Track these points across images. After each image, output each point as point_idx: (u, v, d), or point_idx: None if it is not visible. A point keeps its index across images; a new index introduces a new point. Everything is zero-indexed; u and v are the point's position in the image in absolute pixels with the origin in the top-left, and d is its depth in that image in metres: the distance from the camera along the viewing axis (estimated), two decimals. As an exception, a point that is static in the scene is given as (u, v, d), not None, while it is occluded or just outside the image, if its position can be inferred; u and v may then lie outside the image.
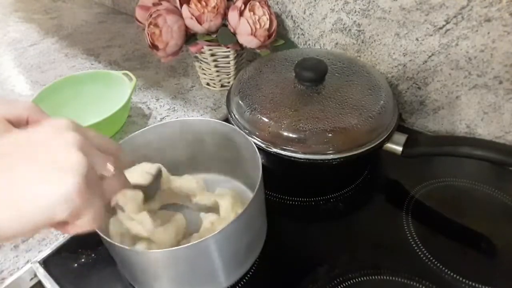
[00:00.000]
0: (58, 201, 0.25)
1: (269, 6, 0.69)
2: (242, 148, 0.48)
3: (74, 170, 0.25)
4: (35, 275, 0.50)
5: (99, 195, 0.28)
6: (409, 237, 0.50)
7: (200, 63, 0.77)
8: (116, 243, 0.37)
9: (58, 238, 0.53)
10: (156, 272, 0.40)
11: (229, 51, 0.72)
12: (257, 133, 0.54)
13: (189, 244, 0.36)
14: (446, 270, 0.46)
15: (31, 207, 0.24)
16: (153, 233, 0.43)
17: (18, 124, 0.42)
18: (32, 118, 0.42)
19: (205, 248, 0.38)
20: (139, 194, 0.43)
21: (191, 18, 0.66)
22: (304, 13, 0.72)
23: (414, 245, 0.49)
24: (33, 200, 0.24)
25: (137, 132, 0.49)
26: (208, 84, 0.81)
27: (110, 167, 0.29)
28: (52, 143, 0.26)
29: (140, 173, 0.45)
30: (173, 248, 0.37)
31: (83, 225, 0.27)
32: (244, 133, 0.48)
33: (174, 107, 0.77)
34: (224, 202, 0.48)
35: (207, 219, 0.47)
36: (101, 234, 0.37)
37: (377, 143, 0.53)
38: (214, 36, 0.69)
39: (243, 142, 0.48)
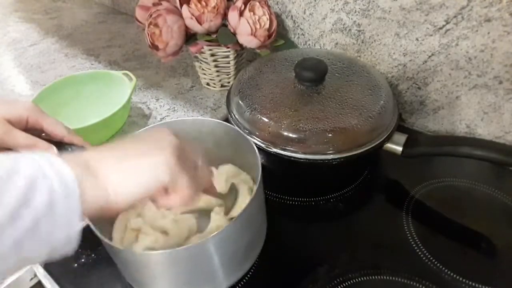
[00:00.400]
0: (161, 165, 0.32)
1: (269, 6, 0.69)
2: (242, 148, 0.48)
3: (170, 145, 0.33)
4: (35, 275, 0.50)
5: (191, 173, 0.34)
6: (409, 237, 0.50)
7: (200, 63, 0.77)
8: (115, 245, 0.37)
9: (58, 238, 0.53)
10: (156, 273, 0.40)
11: (229, 51, 0.72)
12: (257, 133, 0.54)
13: (188, 245, 0.36)
14: (446, 270, 0.46)
15: (143, 173, 0.32)
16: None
17: (18, 124, 0.42)
18: (32, 118, 0.42)
19: (204, 250, 0.38)
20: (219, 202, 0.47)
21: (191, 18, 0.66)
22: (304, 13, 0.72)
23: (414, 245, 0.49)
24: (140, 167, 0.32)
25: (137, 131, 0.49)
26: (208, 84, 0.81)
27: (198, 159, 0.37)
28: (156, 134, 0.36)
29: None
30: (172, 249, 0.36)
31: (181, 192, 0.33)
32: (244, 133, 0.48)
33: (174, 107, 0.77)
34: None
35: (215, 221, 0.47)
36: (100, 236, 0.37)
37: (377, 143, 0.53)
38: (214, 36, 0.69)
39: (243, 142, 0.48)
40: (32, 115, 0.42)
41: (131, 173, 0.31)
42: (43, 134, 0.44)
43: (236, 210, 0.47)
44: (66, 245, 0.28)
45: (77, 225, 0.27)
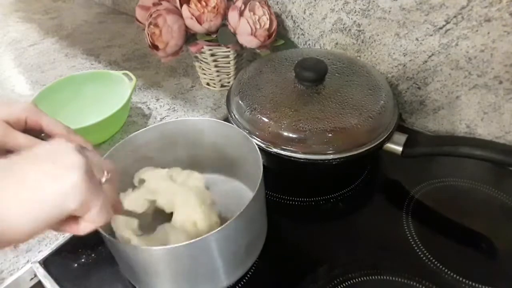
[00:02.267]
0: (67, 192, 0.27)
1: (269, 6, 0.69)
2: (242, 147, 0.48)
3: (77, 166, 0.28)
4: (35, 275, 0.50)
5: (100, 192, 0.29)
6: (409, 237, 0.50)
7: (200, 63, 0.77)
8: (116, 240, 0.37)
9: (58, 238, 0.53)
10: (157, 270, 0.40)
11: (229, 51, 0.72)
12: (257, 133, 0.54)
13: (189, 241, 0.36)
14: (446, 270, 0.46)
15: (42, 203, 0.26)
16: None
17: (17, 124, 0.42)
18: (31, 119, 0.42)
19: (205, 246, 0.38)
20: (133, 222, 0.43)
21: (191, 18, 0.66)
22: (304, 13, 0.72)
23: (414, 245, 0.49)
24: (42, 196, 0.26)
25: (137, 131, 0.49)
26: (208, 84, 0.81)
27: (106, 172, 0.32)
28: (54, 151, 0.29)
29: (136, 199, 0.45)
30: (174, 245, 0.37)
31: (93, 218, 0.29)
32: (245, 133, 0.48)
33: (174, 107, 0.77)
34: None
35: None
36: (101, 230, 0.37)
37: (377, 143, 0.53)
38: (214, 36, 0.69)
39: (244, 142, 0.48)
40: (30, 115, 0.42)
41: (28, 202, 0.26)
42: (43, 135, 0.44)
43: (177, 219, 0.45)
44: None
45: None
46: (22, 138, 0.41)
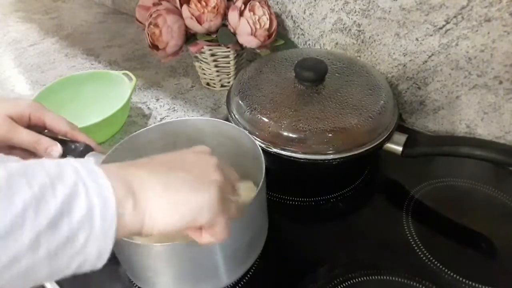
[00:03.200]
0: (203, 206, 0.30)
1: (269, 6, 0.69)
2: (244, 147, 0.48)
3: (216, 184, 0.31)
4: (35, 275, 0.50)
5: (227, 211, 0.32)
6: (409, 237, 0.50)
7: (200, 63, 0.77)
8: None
9: (58, 238, 0.53)
10: (157, 267, 0.40)
11: (229, 51, 0.72)
12: (257, 133, 0.54)
13: (191, 240, 0.36)
14: (446, 270, 0.46)
15: (184, 208, 0.30)
16: None
17: (21, 121, 0.42)
18: (34, 115, 0.42)
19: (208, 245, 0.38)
20: None
21: (191, 18, 0.66)
22: (304, 13, 0.72)
23: (414, 245, 0.49)
24: (186, 203, 0.30)
25: (138, 131, 0.49)
26: (208, 84, 0.81)
27: (234, 191, 0.35)
28: (201, 163, 0.33)
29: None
30: (175, 242, 0.36)
31: (215, 234, 0.32)
32: (247, 133, 0.48)
33: (174, 107, 0.77)
34: None
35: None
36: None
37: (377, 143, 0.53)
38: (214, 36, 0.69)
39: (246, 141, 0.48)
40: (34, 112, 0.42)
41: (173, 206, 0.29)
42: (46, 131, 0.44)
43: None
44: (96, 261, 0.27)
45: (110, 243, 0.27)
46: (26, 134, 0.41)
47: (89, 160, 0.27)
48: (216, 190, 0.31)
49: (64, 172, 0.26)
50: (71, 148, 0.44)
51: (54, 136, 0.44)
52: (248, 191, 0.50)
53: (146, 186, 0.29)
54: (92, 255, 0.26)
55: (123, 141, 0.48)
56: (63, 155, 0.43)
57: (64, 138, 0.45)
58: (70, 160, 0.27)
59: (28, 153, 0.43)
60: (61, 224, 0.24)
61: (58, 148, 0.42)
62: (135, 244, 0.38)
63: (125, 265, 0.44)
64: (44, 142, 0.42)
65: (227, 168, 0.35)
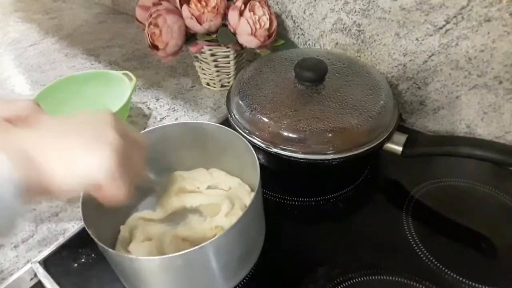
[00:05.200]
0: (96, 166, 0.31)
1: (269, 6, 0.69)
2: (242, 151, 0.48)
3: (112, 145, 0.32)
4: (35, 275, 0.50)
5: (129, 170, 0.34)
6: (409, 237, 0.50)
7: (200, 63, 0.77)
8: (110, 250, 0.37)
9: (58, 238, 0.53)
10: (153, 280, 0.40)
11: (229, 51, 0.72)
12: (257, 133, 0.54)
13: (186, 251, 0.35)
14: (446, 270, 0.46)
15: (77, 168, 0.31)
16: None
17: (18, 123, 0.41)
18: (31, 118, 0.42)
19: (202, 255, 0.38)
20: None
21: (191, 18, 0.66)
22: (304, 13, 0.72)
23: (414, 245, 0.49)
24: (78, 163, 0.31)
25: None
26: (208, 84, 0.81)
27: (138, 150, 0.36)
28: (98, 124, 0.34)
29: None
30: (169, 255, 0.36)
31: (115, 191, 0.33)
32: (243, 138, 0.47)
33: (174, 107, 0.77)
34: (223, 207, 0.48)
35: (210, 226, 0.47)
36: (96, 241, 0.37)
37: (377, 143, 0.53)
38: (214, 36, 0.69)
39: (242, 146, 0.47)
40: (30, 114, 0.42)
41: (66, 166, 0.31)
42: None
43: (218, 220, 0.47)
44: (5, 226, 0.28)
45: (13, 202, 0.28)
46: None
47: None
48: (112, 152, 0.32)
49: None
50: None
51: None
52: (246, 194, 0.50)
53: (40, 145, 0.30)
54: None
55: None
56: None
57: None
58: None
59: None
60: None
61: None
62: (130, 257, 0.38)
63: (122, 277, 0.44)
64: None
65: (130, 132, 0.36)
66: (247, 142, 0.47)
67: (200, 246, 0.36)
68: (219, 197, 0.50)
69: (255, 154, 0.45)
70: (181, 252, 0.35)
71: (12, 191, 0.27)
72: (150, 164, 0.49)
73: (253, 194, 0.49)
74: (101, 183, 0.32)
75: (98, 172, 0.31)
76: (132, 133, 0.37)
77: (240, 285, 0.46)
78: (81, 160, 0.31)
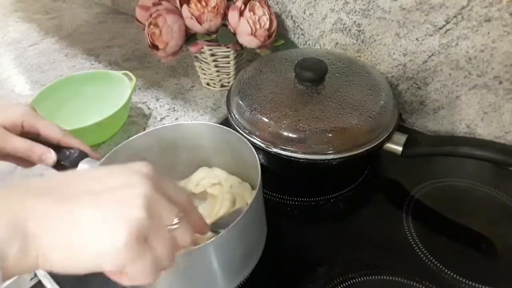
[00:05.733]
0: (106, 252, 0.25)
1: (269, 6, 0.69)
2: (242, 152, 0.47)
3: (131, 225, 0.25)
4: (35, 275, 0.50)
5: (151, 251, 0.26)
6: (409, 237, 0.50)
7: (200, 63, 0.77)
8: None
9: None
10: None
11: (229, 51, 0.72)
12: (257, 133, 0.54)
13: (187, 251, 0.35)
14: (446, 270, 0.46)
15: (83, 252, 0.25)
16: None
17: (14, 129, 0.41)
18: (27, 123, 0.42)
19: (204, 255, 0.38)
20: None
21: (191, 18, 0.66)
22: (304, 13, 0.72)
23: (414, 245, 0.49)
24: (86, 248, 0.25)
25: (135, 136, 0.49)
26: (208, 84, 0.81)
27: (176, 220, 0.28)
28: (123, 191, 0.26)
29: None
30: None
31: (134, 277, 0.26)
32: (243, 138, 0.47)
33: (174, 107, 0.77)
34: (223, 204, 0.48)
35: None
36: None
37: (377, 143, 0.53)
38: (214, 36, 0.69)
39: (243, 146, 0.47)
40: (27, 119, 0.41)
41: (70, 252, 0.25)
42: (40, 137, 0.43)
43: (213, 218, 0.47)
44: None
45: None
46: (19, 142, 0.40)
47: None
48: (128, 234, 0.25)
49: None
50: (66, 154, 0.43)
51: (47, 141, 0.43)
52: (247, 192, 0.50)
53: (42, 224, 0.24)
54: None
55: (118, 146, 0.47)
56: (58, 161, 0.43)
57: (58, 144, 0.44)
58: None
59: (22, 160, 0.42)
60: None
61: (52, 155, 0.42)
62: None
63: None
64: (38, 149, 0.41)
65: (173, 186, 0.29)
66: (247, 141, 0.47)
67: (201, 245, 0.36)
68: (221, 194, 0.50)
69: (255, 154, 0.45)
70: (182, 252, 0.35)
71: None
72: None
73: (254, 192, 0.49)
74: (112, 271, 0.26)
75: (107, 261, 0.25)
76: (175, 188, 0.29)
77: (240, 285, 0.46)
78: (86, 248, 0.25)
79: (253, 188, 0.51)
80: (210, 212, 0.48)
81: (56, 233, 0.24)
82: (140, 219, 0.25)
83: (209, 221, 0.47)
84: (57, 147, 0.43)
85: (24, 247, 0.24)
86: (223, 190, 0.51)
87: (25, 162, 0.42)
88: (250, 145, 0.46)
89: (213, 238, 0.36)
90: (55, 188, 0.26)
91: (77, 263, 0.25)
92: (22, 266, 0.24)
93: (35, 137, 0.43)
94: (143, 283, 0.27)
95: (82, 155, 0.44)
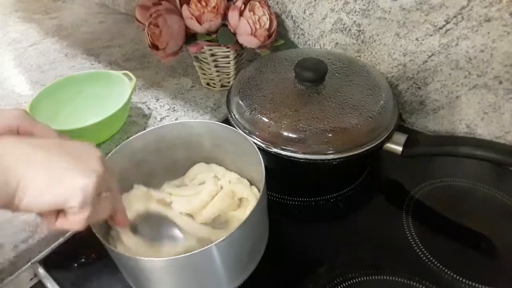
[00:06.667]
0: (78, 190, 0.30)
1: (269, 6, 0.69)
2: (244, 150, 0.48)
3: (97, 173, 0.32)
4: (35, 275, 0.50)
5: (96, 206, 0.32)
6: (409, 237, 0.50)
7: (200, 63, 0.77)
8: (120, 252, 0.37)
9: (58, 238, 0.53)
10: (159, 279, 0.40)
11: (229, 51, 0.72)
12: (257, 133, 0.54)
13: (192, 252, 0.36)
14: (446, 270, 0.46)
15: (60, 186, 0.30)
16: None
17: (9, 134, 0.41)
18: (23, 127, 0.41)
19: (208, 256, 0.38)
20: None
21: (191, 18, 0.66)
22: (304, 13, 0.72)
23: (414, 245, 0.49)
24: (64, 182, 0.30)
25: (135, 135, 0.49)
26: (208, 84, 0.81)
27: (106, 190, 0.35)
28: (88, 153, 0.34)
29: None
30: (176, 256, 0.36)
31: (74, 222, 0.32)
32: (246, 136, 0.48)
33: (174, 107, 0.77)
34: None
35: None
36: (104, 242, 0.37)
37: (377, 143, 0.53)
38: (214, 36, 0.69)
39: (245, 144, 0.47)
40: (22, 124, 0.41)
41: (49, 183, 0.30)
42: None
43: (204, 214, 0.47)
44: None
45: None
46: None
47: None
48: (95, 179, 0.31)
49: None
50: None
51: None
52: (246, 188, 0.50)
53: (25, 161, 0.29)
54: None
55: (119, 146, 0.47)
56: None
57: None
58: None
59: None
60: None
61: None
62: (134, 258, 0.38)
63: (128, 277, 0.44)
64: None
65: (110, 169, 0.36)
66: (250, 140, 0.47)
67: (205, 248, 0.36)
68: (217, 187, 0.50)
69: (259, 153, 0.45)
70: (186, 254, 0.36)
71: None
72: (144, 168, 0.49)
73: (253, 188, 0.49)
74: (73, 208, 0.31)
75: (77, 196, 0.30)
76: (110, 171, 0.36)
77: (240, 285, 0.46)
78: (64, 180, 0.30)
79: (251, 184, 0.51)
80: (198, 199, 0.48)
81: (36, 166, 0.29)
82: (102, 174, 0.32)
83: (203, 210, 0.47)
84: None
85: (6, 177, 0.28)
86: (220, 183, 0.51)
87: None
88: (253, 144, 0.46)
89: (218, 241, 0.36)
90: (35, 142, 0.32)
91: (49, 197, 0.30)
92: (1, 196, 0.28)
93: None
94: (74, 228, 0.32)
95: None
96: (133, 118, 0.74)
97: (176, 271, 0.39)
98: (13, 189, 0.28)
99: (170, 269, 0.39)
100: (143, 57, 0.95)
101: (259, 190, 0.44)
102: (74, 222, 0.32)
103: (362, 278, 0.46)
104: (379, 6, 0.62)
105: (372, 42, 0.66)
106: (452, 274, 0.46)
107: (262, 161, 0.44)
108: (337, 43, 0.71)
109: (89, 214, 0.32)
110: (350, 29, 0.68)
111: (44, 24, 1.15)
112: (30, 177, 0.29)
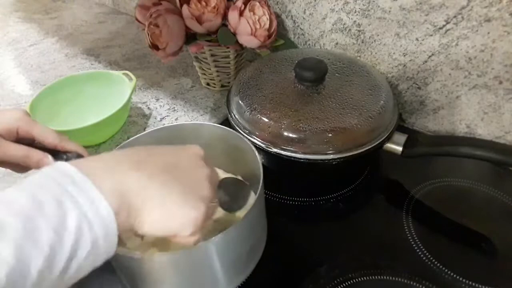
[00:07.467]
0: (190, 222, 0.32)
1: (269, 6, 0.69)
2: (242, 152, 0.47)
3: (206, 201, 0.33)
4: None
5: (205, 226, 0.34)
6: (409, 237, 0.50)
7: (200, 63, 0.77)
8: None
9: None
10: (157, 278, 0.40)
11: (229, 51, 0.72)
12: (257, 133, 0.54)
13: (190, 249, 0.36)
14: (446, 270, 0.46)
15: (173, 221, 0.31)
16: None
17: (9, 135, 0.41)
18: (22, 129, 0.41)
19: (206, 253, 0.38)
20: None
21: (191, 18, 0.66)
22: (304, 13, 0.72)
23: (414, 245, 0.49)
24: (177, 217, 0.31)
25: (133, 137, 0.49)
26: (208, 84, 0.81)
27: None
28: (196, 173, 0.35)
29: None
30: (173, 252, 0.36)
31: (186, 242, 0.33)
32: (244, 138, 0.48)
33: (174, 107, 0.77)
34: None
35: None
36: None
37: (377, 143, 0.53)
38: (214, 36, 0.69)
39: (243, 146, 0.47)
40: (22, 125, 0.41)
41: (164, 219, 0.31)
42: (36, 142, 0.43)
43: None
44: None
45: (113, 252, 0.29)
46: (15, 149, 0.40)
47: (84, 180, 0.28)
48: (205, 209, 0.32)
49: (67, 217, 0.26)
50: (63, 158, 0.43)
51: (44, 146, 0.42)
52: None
53: (143, 196, 0.30)
54: (99, 265, 0.30)
55: (120, 146, 0.47)
56: None
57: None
58: (68, 188, 0.27)
59: (19, 166, 0.42)
60: (70, 266, 0.26)
61: (49, 160, 0.41)
62: (133, 257, 0.38)
63: (125, 278, 0.44)
64: (35, 155, 0.41)
65: (214, 172, 0.37)
66: (247, 141, 0.47)
67: (202, 243, 0.36)
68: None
69: (256, 153, 0.45)
70: (182, 250, 0.36)
71: (114, 243, 0.29)
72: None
73: (251, 191, 0.49)
74: (184, 236, 0.32)
75: (188, 228, 0.32)
76: (214, 173, 0.37)
77: (240, 285, 0.46)
78: (177, 215, 0.31)
79: (250, 184, 0.51)
80: None
81: (153, 203, 0.30)
82: (210, 197, 0.34)
83: None
84: (54, 151, 0.43)
85: (129, 215, 0.29)
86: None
87: (22, 168, 0.42)
88: (251, 145, 0.46)
89: (214, 237, 0.36)
90: (151, 167, 0.32)
91: (163, 230, 0.31)
92: (124, 228, 0.29)
93: (30, 142, 0.42)
94: (195, 243, 0.34)
95: (79, 159, 0.44)
96: (133, 118, 0.74)
97: (173, 269, 0.39)
98: (131, 223, 0.30)
99: (166, 268, 0.39)
100: (143, 57, 0.95)
101: (256, 190, 0.44)
102: (186, 242, 0.33)
103: (362, 278, 0.46)
104: (379, 6, 0.62)
105: (372, 42, 0.66)
106: (452, 274, 0.46)
107: (258, 157, 0.44)
108: (337, 43, 0.71)
109: (199, 236, 0.34)
110: (350, 29, 0.68)
111: (44, 24, 1.15)
112: (147, 214, 0.30)
